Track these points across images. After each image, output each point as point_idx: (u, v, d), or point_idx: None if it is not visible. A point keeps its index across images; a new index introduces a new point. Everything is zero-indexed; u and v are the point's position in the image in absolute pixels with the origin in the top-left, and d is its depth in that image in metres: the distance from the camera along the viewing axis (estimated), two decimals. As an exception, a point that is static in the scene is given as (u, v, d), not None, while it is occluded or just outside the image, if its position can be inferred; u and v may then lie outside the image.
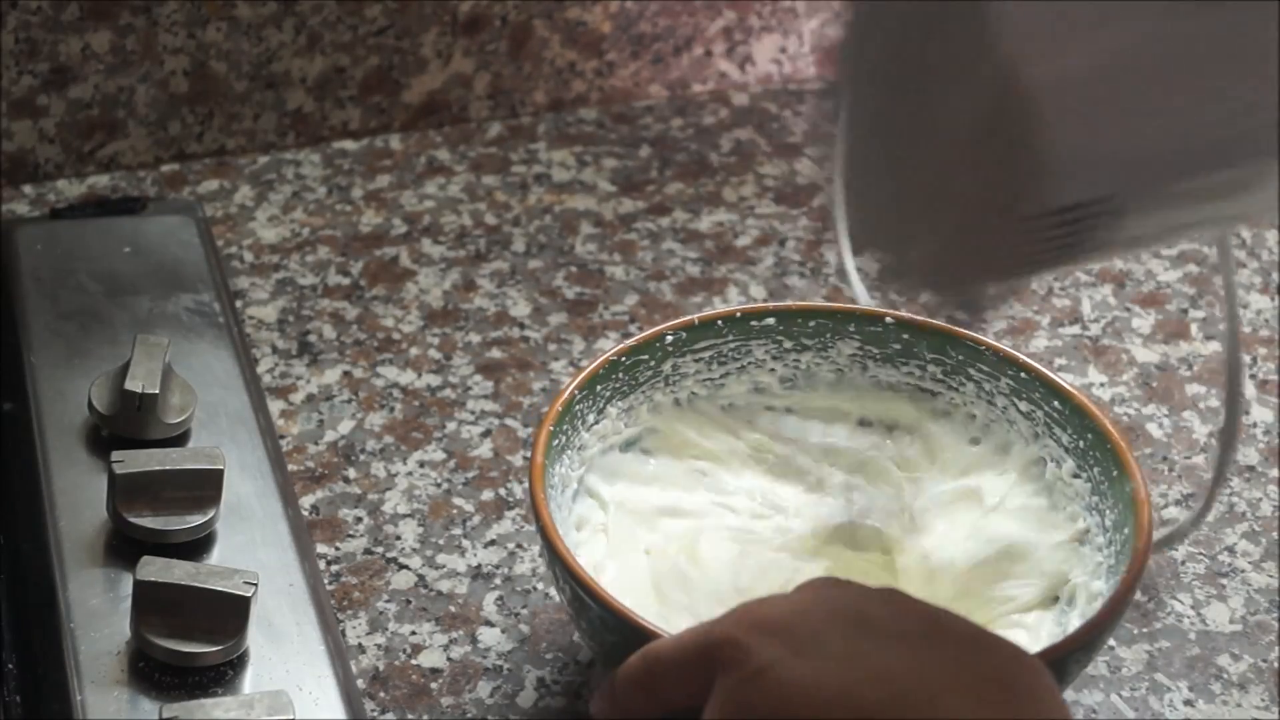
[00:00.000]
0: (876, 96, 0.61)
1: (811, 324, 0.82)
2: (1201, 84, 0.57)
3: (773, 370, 0.82)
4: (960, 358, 0.81)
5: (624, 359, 0.79)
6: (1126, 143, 0.57)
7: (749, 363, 0.82)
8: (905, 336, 0.82)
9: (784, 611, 0.59)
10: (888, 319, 0.82)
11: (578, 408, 0.77)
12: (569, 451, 0.77)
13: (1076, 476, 0.77)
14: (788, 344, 0.82)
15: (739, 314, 0.81)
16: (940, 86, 0.58)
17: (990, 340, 0.81)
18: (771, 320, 0.82)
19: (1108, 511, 0.75)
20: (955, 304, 0.66)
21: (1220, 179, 0.59)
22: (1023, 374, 0.80)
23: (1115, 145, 0.57)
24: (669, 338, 0.80)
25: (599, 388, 0.78)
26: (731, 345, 0.82)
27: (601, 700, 0.66)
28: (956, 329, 0.81)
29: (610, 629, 0.68)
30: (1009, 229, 0.58)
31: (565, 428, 0.76)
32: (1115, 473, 0.75)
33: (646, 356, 0.80)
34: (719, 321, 0.81)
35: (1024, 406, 0.80)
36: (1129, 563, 0.71)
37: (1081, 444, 0.77)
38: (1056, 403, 0.78)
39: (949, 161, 0.59)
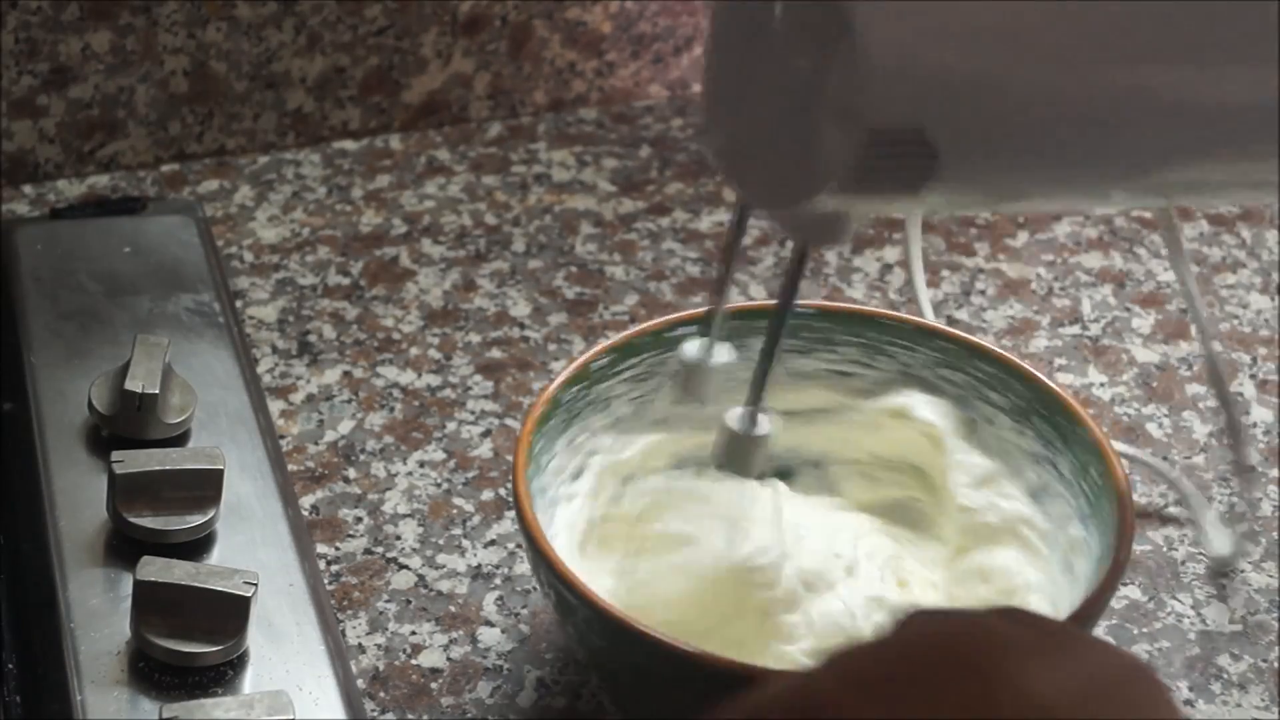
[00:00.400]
0: (733, 31, 0.63)
1: (727, 327, 0.81)
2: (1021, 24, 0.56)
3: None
4: (877, 336, 0.81)
5: (566, 389, 0.78)
6: (934, 70, 0.56)
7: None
8: (820, 324, 0.81)
9: (877, 660, 0.55)
10: (801, 308, 0.81)
11: (550, 423, 0.77)
12: (552, 456, 0.77)
13: (1020, 434, 0.78)
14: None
15: (659, 328, 0.79)
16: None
17: (908, 316, 0.82)
18: (691, 329, 0.80)
19: (1060, 459, 0.76)
20: (795, 226, 0.66)
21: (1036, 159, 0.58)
22: (943, 342, 0.80)
23: (924, 70, 0.56)
24: (594, 365, 0.78)
25: (548, 424, 0.77)
26: (653, 360, 0.80)
27: None
28: (873, 311, 0.82)
29: (597, 632, 0.69)
30: (821, 142, 0.58)
31: (546, 434, 0.76)
32: (1063, 421, 0.76)
33: (580, 385, 0.78)
34: (639, 339, 0.79)
35: (949, 374, 0.80)
36: (1115, 503, 0.72)
37: (1020, 401, 0.78)
38: (984, 364, 0.79)
39: (782, 81, 0.59)
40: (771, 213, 0.68)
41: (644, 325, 0.81)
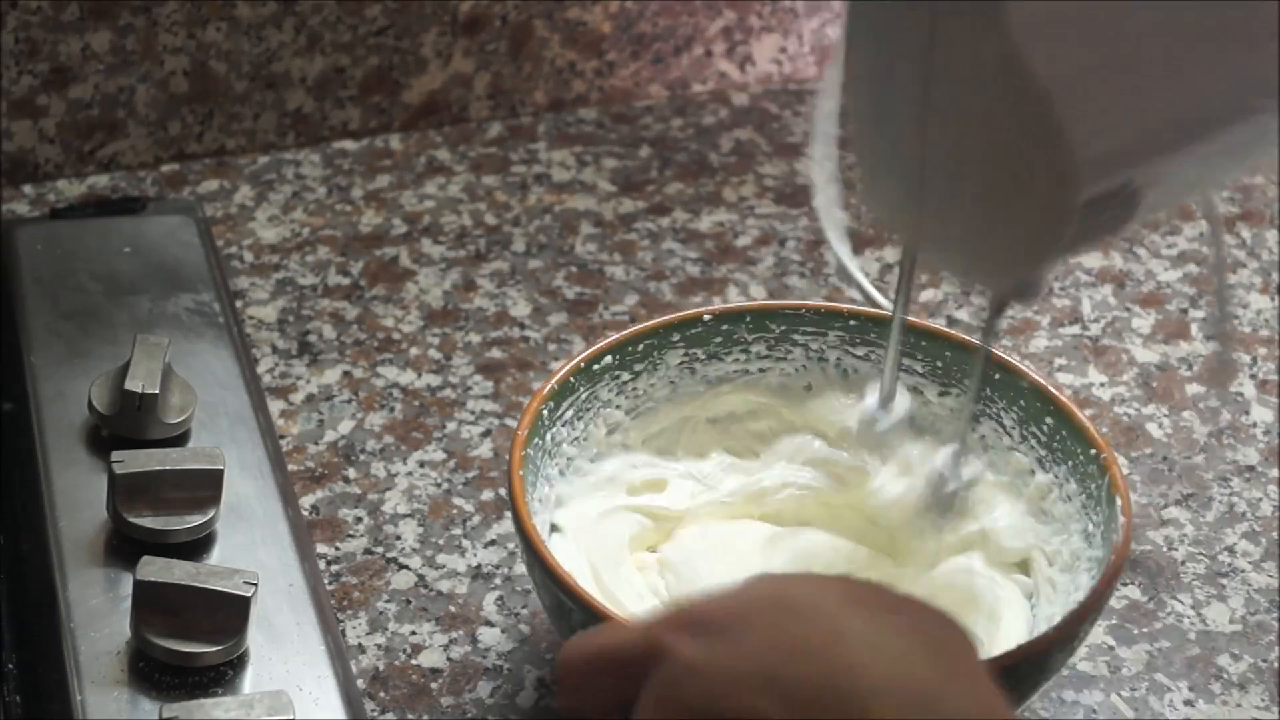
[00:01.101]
0: (879, 91, 0.62)
1: (640, 346, 0.81)
2: (1197, 60, 0.59)
3: (618, 407, 0.81)
4: (782, 329, 0.82)
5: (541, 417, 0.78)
6: (1139, 129, 0.59)
7: (599, 406, 0.80)
8: (724, 327, 0.82)
9: (711, 607, 0.58)
10: (705, 316, 0.82)
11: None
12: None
13: (944, 395, 0.80)
14: (625, 376, 0.81)
15: (583, 364, 0.79)
16: (948, 81, 0.59)
17: (807, 302, 0.84)
18: (610, 359, 0.80)
19: (993, 402, 0.79)
20: (999, 289, 0.69)
21: (1221, 144, 0.61)
22: (851, 321, 0.82)
23: (1129, 134, 0.59)
24: (543, 411, 0.78)
25: (544, 421, 0.77)
26: (584, 398, 0.80)
27: (561, 697, 0.65)
28: (771, 304, 0.84)
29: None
30: (1037, 220, 0.61)
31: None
32: (999, 375, 0.78)
33: (534, 437, 0.77)
34: (570, 379, 0.79)
35: (860, 351, 0.82)
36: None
37: (938, 364, 0.80)
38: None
39: (970, 154, 0.61)
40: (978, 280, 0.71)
41: (641, 325, 0.81)
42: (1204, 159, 0.63)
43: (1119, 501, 0.73)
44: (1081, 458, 0.76)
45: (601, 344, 0.80)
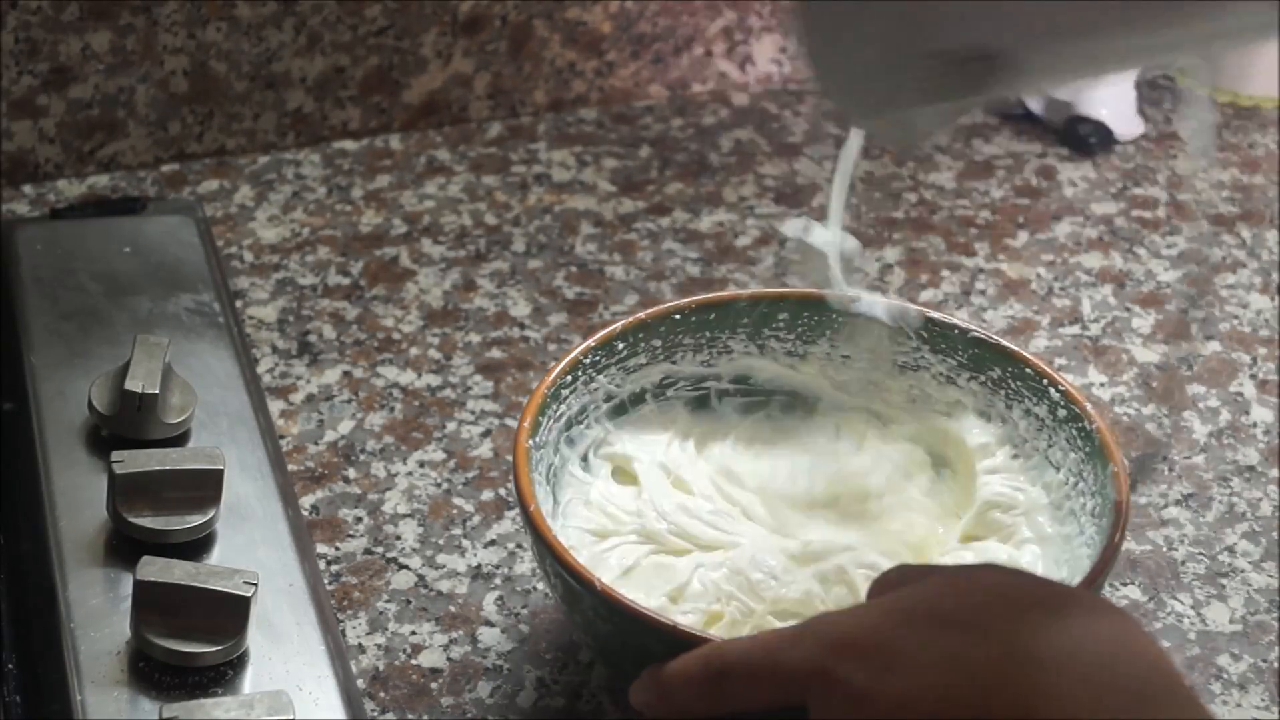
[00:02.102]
0: None
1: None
2: None
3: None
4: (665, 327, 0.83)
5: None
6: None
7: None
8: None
9: (861, 627, 0.58)
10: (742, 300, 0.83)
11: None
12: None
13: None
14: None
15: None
16: None
17: (746, 292, 0.84)
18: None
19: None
20: (886, 136, 0.71)
21: (1117, 45, 0.60)
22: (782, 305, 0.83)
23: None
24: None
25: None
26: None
27: (646, 693, 0.65)
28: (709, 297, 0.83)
29: (604, 618, 0.69)
30: (910, 64, 0.61)
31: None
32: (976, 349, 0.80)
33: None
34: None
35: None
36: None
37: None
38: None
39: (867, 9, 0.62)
40: (855, 120, 0.73)
41: (637, 315, 0.81)
42: (1078, 34, 0.60)
43: (1111, 467, 0.74)
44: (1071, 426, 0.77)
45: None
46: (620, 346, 0.80)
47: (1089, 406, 0.77)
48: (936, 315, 0.82)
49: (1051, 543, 0.76)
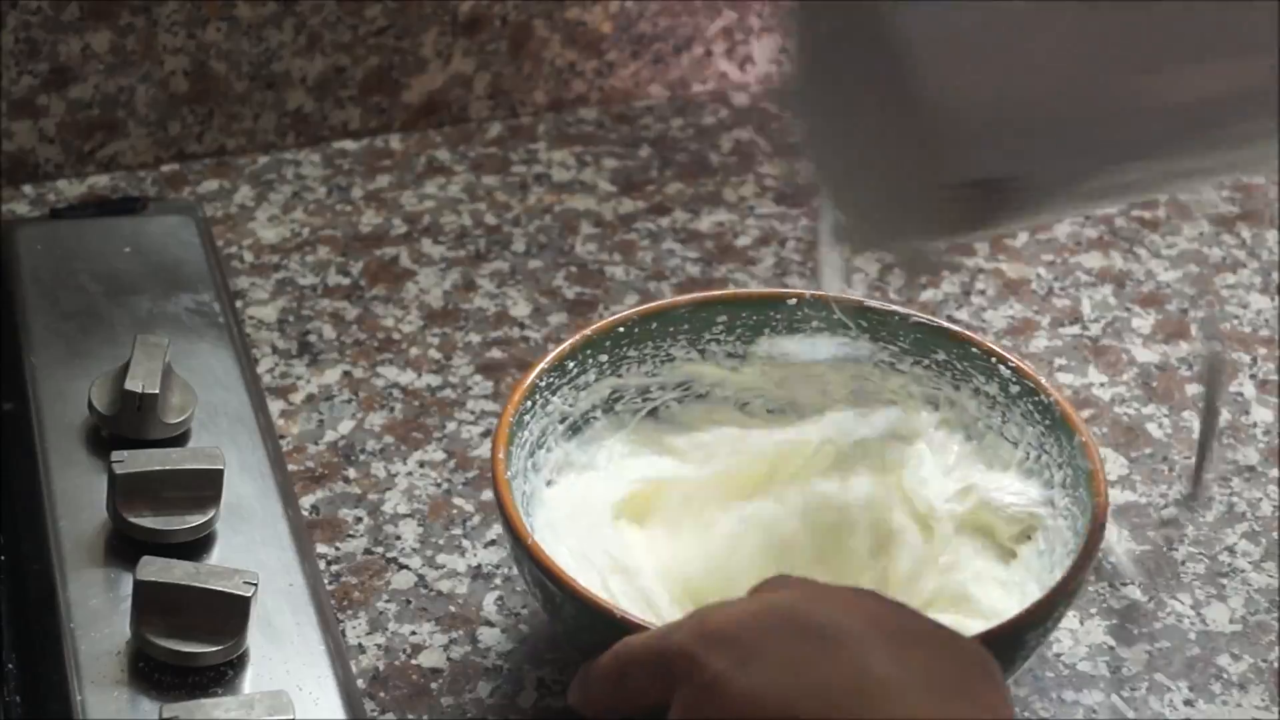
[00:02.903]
0: (821, 86, 0.64)
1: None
2: (1106, 80, 0.58)
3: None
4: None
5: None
6: (1027, 127, 0.59)
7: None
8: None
9: (734, 619, 0.60)
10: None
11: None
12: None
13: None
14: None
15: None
16: (855, 69, 0.61)
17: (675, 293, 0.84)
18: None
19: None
20: (900, 261, 0.71)
21: (1125, 177, 0.61)
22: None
23: (1016, 129, 0.59)
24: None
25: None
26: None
27: (576, 690, 0.67)
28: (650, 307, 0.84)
29: (586, 628, 0.69)
30: (926, 196, 0.61)
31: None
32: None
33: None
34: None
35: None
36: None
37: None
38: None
39: (878, 136, 0.62)
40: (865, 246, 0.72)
41: (583, 332, 0.82)
42: (1098, 166, 0.61)
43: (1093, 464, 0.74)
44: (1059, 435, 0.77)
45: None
46: (571, 365, 0.80)
47: (1044, 380, 0.78)
48: (874, 303, 0.82)
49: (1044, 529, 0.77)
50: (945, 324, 0.82)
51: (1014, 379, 0.79)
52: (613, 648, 0.65)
